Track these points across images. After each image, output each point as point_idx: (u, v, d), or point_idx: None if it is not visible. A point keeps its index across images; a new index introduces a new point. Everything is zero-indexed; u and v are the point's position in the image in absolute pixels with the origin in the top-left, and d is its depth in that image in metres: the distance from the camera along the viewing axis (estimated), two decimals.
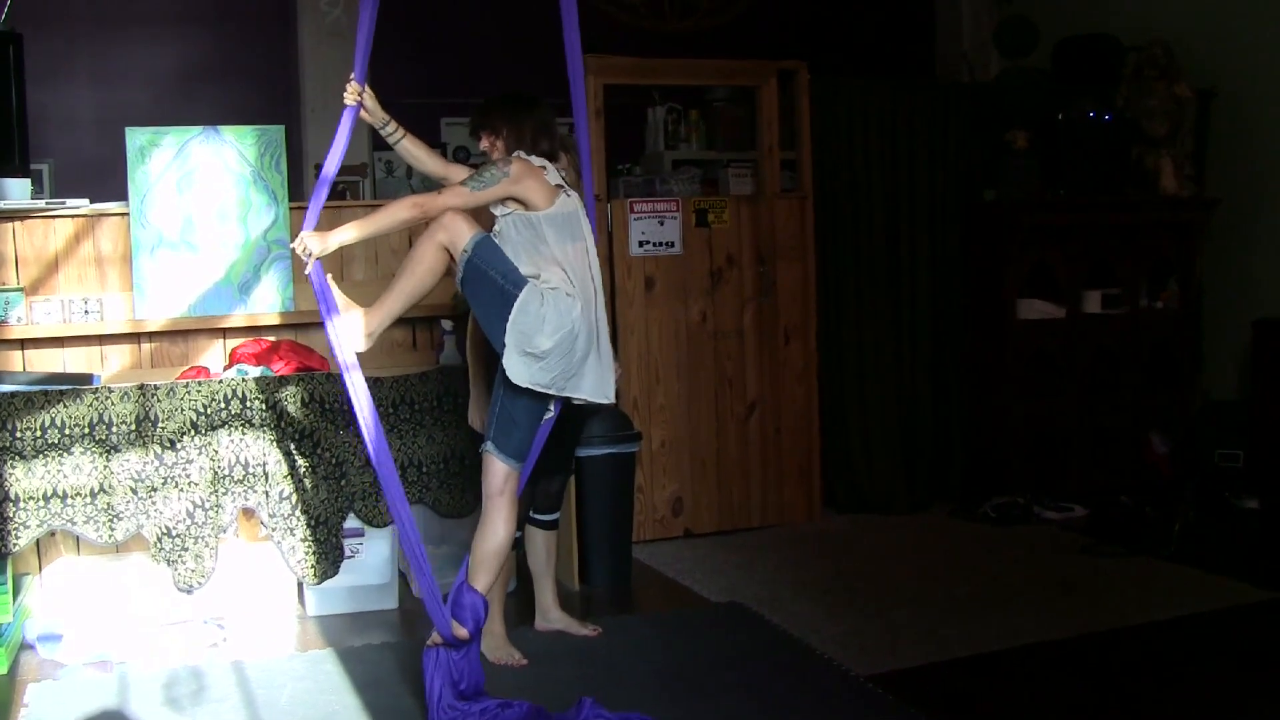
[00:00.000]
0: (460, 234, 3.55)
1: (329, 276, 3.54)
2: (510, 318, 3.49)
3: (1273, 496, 5.87)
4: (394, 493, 3.40)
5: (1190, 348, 6.62)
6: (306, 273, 3.49)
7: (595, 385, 3.64)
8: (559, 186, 3.69)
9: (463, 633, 3.48)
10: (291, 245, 3.49)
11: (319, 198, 3.55)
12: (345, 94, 3.64)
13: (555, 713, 3.45)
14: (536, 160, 3.70)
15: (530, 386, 3.52)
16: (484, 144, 3.85)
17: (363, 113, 3.70)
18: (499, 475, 3.61)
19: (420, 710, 3.54)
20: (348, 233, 3.52)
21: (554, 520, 4.33)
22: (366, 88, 3.66)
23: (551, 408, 3.72)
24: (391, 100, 3.82)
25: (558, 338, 3.49)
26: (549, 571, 4.34)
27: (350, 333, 3.53)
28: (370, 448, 3.40)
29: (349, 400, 3.43)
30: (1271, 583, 4.78)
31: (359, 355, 3.53)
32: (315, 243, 3.45)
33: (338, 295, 3.55)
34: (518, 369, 3.50)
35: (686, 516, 5.71)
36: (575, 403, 3.71)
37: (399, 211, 3.57)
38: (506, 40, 6.85)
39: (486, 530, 3.60)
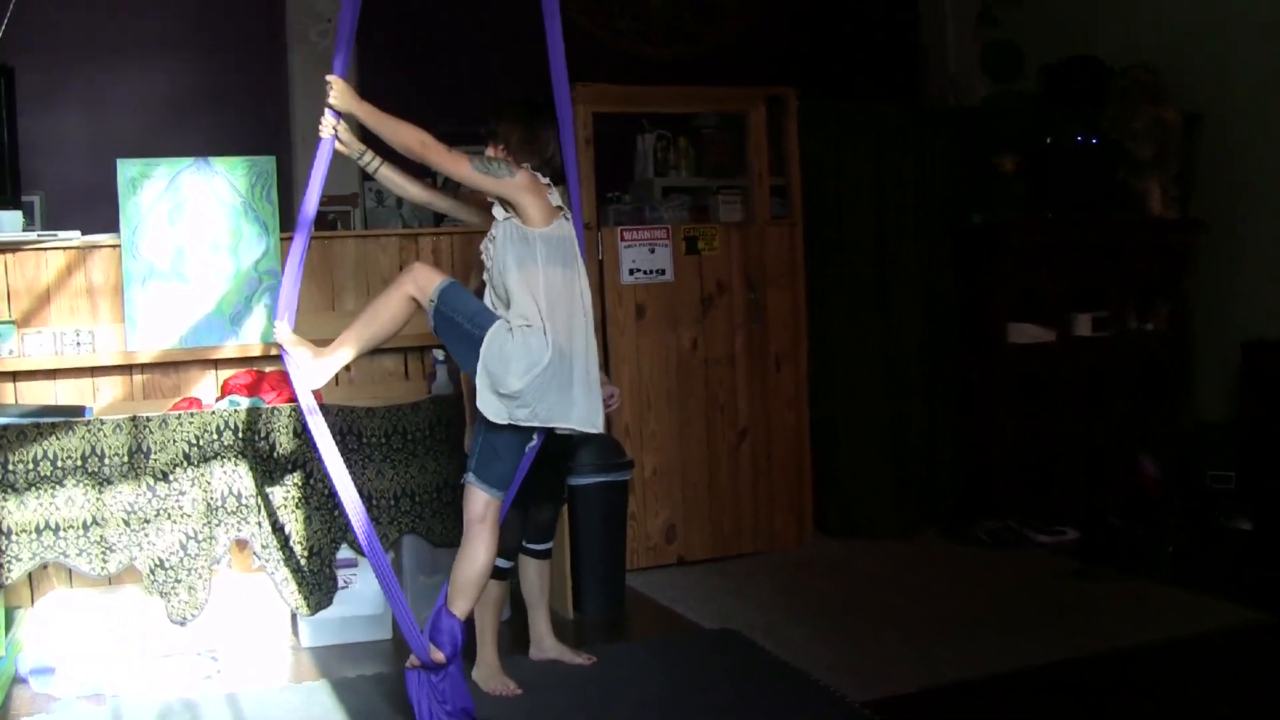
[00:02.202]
0: (427, 284, 3.57)
1: (293, 336, 3.63)
2: (479, 358, 3.51)
3: (1265, 517, 5.88)
4: (360, 524, 3.49)
5: (1180, 369, 6.64)
6: (324, 135, 3.60)
7: (583, 415, 3.63)
8: (559, 208, 3.70)
9: (439, 656, 3.52)
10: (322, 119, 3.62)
11: (300, 242, 3.61)
12: (320, 127, 3.64)
13: None
14: (544, 179, 3.71)
15: (511, 423, 3.53)
16: (491, 152, 3.77)
17: (338, 144, 3.68)
18: (480, 503, 3.63)
19: None
20: (364, 110, 3.56)
21: (547, 550, 4.32)
22: (341, 119, 3.66)
23: (534, 437, 3.72)
24: None
25: (528, 378, 3.49)
26: (543, 600, 4.34)
27: (301, 372, 3.57)
28: (333, 484, 3.53)
29: (311, 439, 3.57)
30: (1264, 604, 4.78)
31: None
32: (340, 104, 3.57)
33: (297, 341, 3.60)
34: (494, 408, 3.52)
35: (679, 544, 5.70)
36: (561, 432, 3.70)
37: (409, 135, 3.56)
38: (493, 61, 6.86)
39: (467, 556, 3.61)
